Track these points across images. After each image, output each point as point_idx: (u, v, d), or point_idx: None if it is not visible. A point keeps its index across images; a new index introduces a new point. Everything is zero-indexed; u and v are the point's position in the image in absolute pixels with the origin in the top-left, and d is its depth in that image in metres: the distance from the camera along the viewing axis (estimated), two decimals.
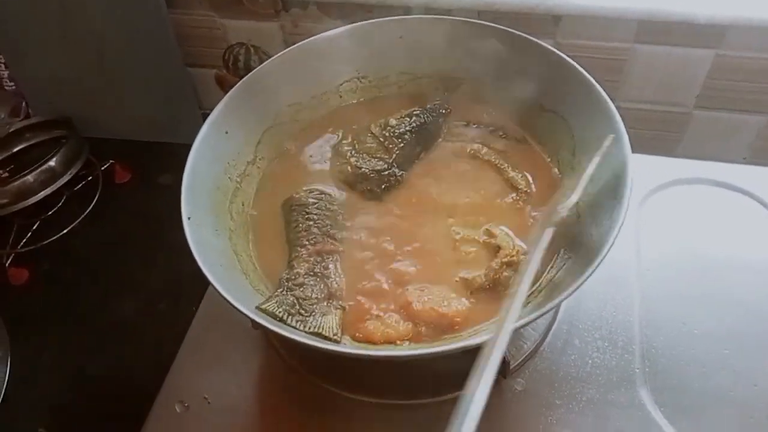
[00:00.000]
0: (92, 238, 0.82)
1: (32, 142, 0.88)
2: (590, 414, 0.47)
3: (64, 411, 0.66)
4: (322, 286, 0.46)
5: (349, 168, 0.53)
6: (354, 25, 0.57)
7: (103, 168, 0.86)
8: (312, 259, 0.47)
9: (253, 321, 0.40)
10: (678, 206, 0.59)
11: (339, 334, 0.44)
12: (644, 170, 0.61)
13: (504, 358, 0.47)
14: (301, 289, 0.45)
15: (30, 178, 0.81)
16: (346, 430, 0.49)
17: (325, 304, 0.45)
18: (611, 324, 0.52)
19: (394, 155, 0.54)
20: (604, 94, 0.49)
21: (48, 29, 0.81)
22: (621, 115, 0.47)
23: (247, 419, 0.50)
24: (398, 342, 0.44)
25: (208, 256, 0.44)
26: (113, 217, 0.84)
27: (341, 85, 0.59)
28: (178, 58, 0.83)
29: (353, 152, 0.54)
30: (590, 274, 0.40)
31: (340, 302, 0.46)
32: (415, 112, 0.56)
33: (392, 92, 0.60)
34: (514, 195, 0.52)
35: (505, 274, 0.46)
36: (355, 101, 0.60)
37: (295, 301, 0.44)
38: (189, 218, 0.46)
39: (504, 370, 0.48)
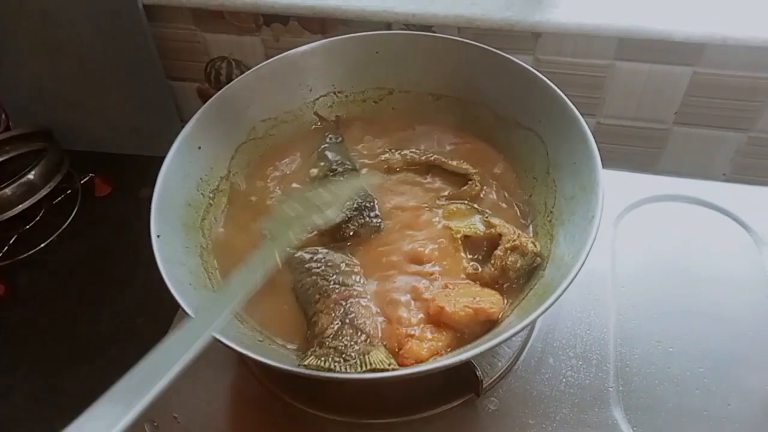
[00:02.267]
0: (71, 253, 0.81)
1: (12, 154, 0.87)
2: None
3: (37, 424, 0.65)
4: (357, 332, 0.44)
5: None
6: (329, 39, 0.57)
7: (82, 181, 0.86)
8: (334, 311, 0.45)
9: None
10: (654, 223, 0.59)
11: (393, 362, 0.42)
12: (620, 187, 0.61)
13: (477, 376, 0.47)
14: (338, 340, 0.44)
15: (8, 191, 0.80)
16: None
17: (365, 344, 0.44)
18: (586, 342, 0.51)
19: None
20: (574, 109, 0.49)
21: (28, 40, 0.81)
22: (602, 131, 0.47)
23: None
24: (444, 352, 0.43)
25: (176, 275, 0.43)
26: (92, 231, 0.83)
27: (317, 100, 0.59)
28: (159, 71, 0.82)
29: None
30: (561, 293, 0.39)
31: (378, 340, 0.44)
32: (322, 151, 0.55)
33: (368, 108, 0.59)
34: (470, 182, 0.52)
35: (510, 259, 0.47)
36: (331, 117, 0.60)
37: (335, 352, 0.43)
38: (158, 236, 0.45)
39: (477, 389, 0.47)
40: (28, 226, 0.82)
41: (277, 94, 0.57)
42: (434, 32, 0.70)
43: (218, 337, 0.38)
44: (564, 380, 0.50)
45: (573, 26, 0.69)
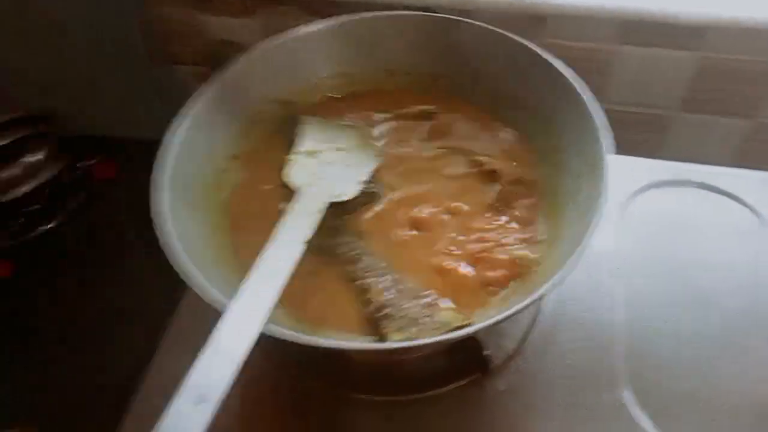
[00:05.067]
0: (77, 233, 0.81)
1: (14, 135, 0.87)
2: (573, 415, 0.47)
3: (44, 401, 0.65)
4: (414, 296, 0.44)
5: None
6: (334, 19, 0.57)
7: (88, 163, 0.86)
8: (382, 283, 0.45)
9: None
10: (661, 208, 0.59)
11: (464, 315, 0.43)
12: (626, 172, 0.61)
13: (485, 355, 0.48)
14: (403, 309, 0.43)
15: (17, 170, 0.80)
16: (335, 426, 0.48)
17: (429, 306, 0.44)
18: (594, 324, 0.51)
19: None
20: (573, 83, 0.49)
21: (9, 28, 0.80)
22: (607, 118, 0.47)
23: (233, 416, 0.49)
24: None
25: (191, 253, 0.43)
26: (98, 213, 0.83)
27: (321, 80, 0.59)
28: (160, 55, 0.82)
29: None
30: (571, 270, 0.39)
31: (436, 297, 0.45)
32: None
33: (372, 88, 0.59)
34: None
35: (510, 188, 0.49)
36: (337, 96, 0.60)
37: (409, 321, 0.42)
38: (168, 214, 0.45)
39: (485, 369, 0.47)
40: (32, 208, 0.82)
41: (280, 74, 0.56)
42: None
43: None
44: (572, 362, 0.50)
45: (578, 8, 0.68)
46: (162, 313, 0.69)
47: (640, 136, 0.78)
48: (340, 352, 0.47)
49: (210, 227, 0.50)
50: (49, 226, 0.81)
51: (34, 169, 0.82)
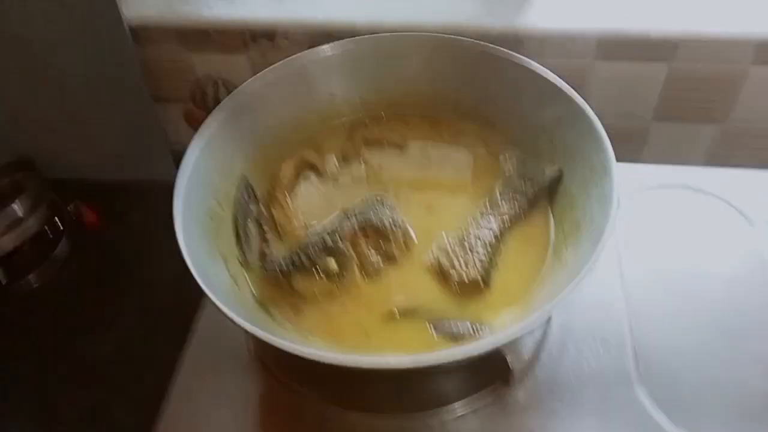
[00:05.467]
0: (60, 283, 0.79)
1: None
2: (592, 416, 0.48)
3: None
4: None
5: None
6: (350, 40, 0.58)
7: (68, 209, 0.84)
8: None
9: None
10: (651, 210, 0.62)
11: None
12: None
13: (508, 365, 0.48)
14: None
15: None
16: None
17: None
18: (603, 327, 0.53)
19: None
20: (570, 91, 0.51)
21: (8, 66, 0.79)
22: None
23: None
24: None
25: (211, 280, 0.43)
26: (83, 259, 0.81)
27: (333, 103, 0.60)
28: (145, 93, 0.82)
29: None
30: (588, 271, 0.40)
31: None
32: None
33: (380, 114, 0.61)
34: None
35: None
36: (346, 120, 0.61)
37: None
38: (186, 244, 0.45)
39: (508, 378, 0.48)
40: (13, 257, 0.80)
41: (292, 97, 0.57)
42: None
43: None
44: (586, 365, 0.51)
45: (555, 30, 0.71)
46: (156, 353, 0.68)
47: (618, 145, 0.81)
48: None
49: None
50: (29, 276, 0.79)
51: (13, 220, 0.80)
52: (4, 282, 0.78)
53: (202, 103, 0.85)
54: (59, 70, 0.79)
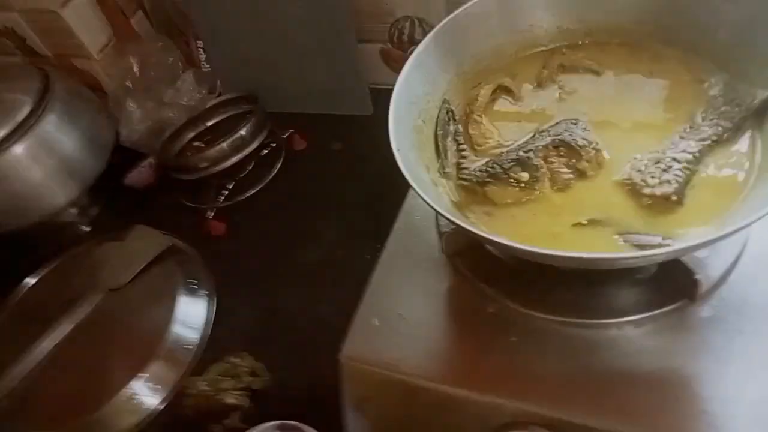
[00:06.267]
0: (277, 197, 0.93)
1: (225, 116, 1.01)
2: None
3: (261, 335, 0.76)
4: None
5: None
6: None
7: (284, 137, 0.98)
8: None
9: None
10: None
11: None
12: None
13: (694, 278, 0.49)
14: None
15: (225, 146, 0.93)
16: (529, 348, 0.53)
17: None
18: None
19: None
20: None
21: (239, 16, 0.93)
22: None
23: (437, 332, 0.55)
24: None
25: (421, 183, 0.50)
26: (294, 179, 0.94)
27: (532, 33, 0.62)
28: (352, 35, 0.91)
29: None
30: None
31: None
32: None
33: (578, 42, 0.62)
34: None
35: None
36: (544, 49, 0.63)
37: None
38: (398, 150, 0.51)
39: (693, 293, 0.49)
40: (241, 175, 0.95)
41: (501, 23, 0.61)
42: None
43: None
44: None
45: None
46: (354, 261, 0.78)
47: None
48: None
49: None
50: (253, 191, 0.94)
51: (241, 143, 0.95)
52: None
53: (398, 42, 0.92)
54: (280, 19, 0.91)
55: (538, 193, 0.54)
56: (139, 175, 0.99)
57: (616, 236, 0.49)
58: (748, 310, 0.49)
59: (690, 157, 0.50)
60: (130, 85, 1.00)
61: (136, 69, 1.01)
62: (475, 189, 0.56)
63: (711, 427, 0.45)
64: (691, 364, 0.48)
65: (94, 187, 0.95)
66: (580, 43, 0.62)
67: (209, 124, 1.02)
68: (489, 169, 0.55)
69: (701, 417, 0.45)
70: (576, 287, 0.53)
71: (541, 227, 0.52)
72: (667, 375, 0.48)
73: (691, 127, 0.53)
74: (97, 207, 1.00)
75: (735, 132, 0.51)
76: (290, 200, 0.92)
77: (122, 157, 0.99)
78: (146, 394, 0.72)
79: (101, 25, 1.02)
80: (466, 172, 0.57)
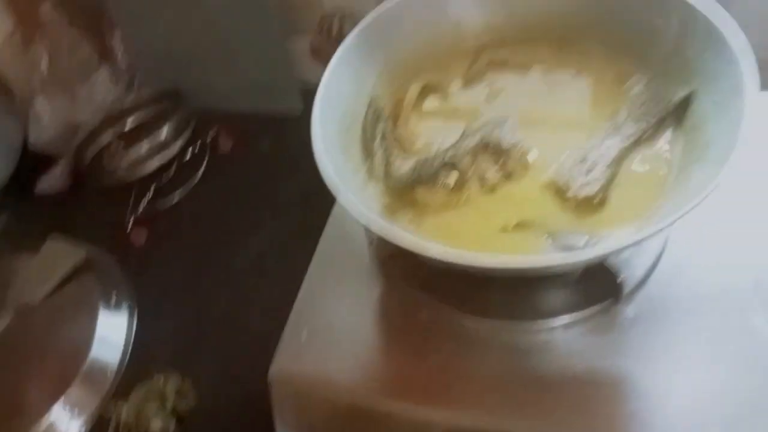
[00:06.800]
0: (203, 201, 0.89)
1: (144, 114, 0.96)
2: (702, 339, 0.48)
3: (188, 350, 0.73)
4: None
5: None
6: None
7: (209, 136, 0.93)
8: None
9: None
10: None
11: None
12: None
13: (617, 280, 0.49)
14: None
15: (145, 147, 0.88)
16: (461, 354, 0.52)
17: None
18: (722, 249, 0.52)
19: None
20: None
21: (160, 3, 0.87)
22: None
23: (369, 343, 0.54)
24: None
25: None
26: (220, 182, 0.90)
27: (459, 29, 0.61)
28: (276, 29, 0.87)
29: None
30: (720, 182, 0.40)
31: None
32: None
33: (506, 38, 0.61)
34: None
35: None
36: (472, 45, 0.62)
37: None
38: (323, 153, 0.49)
39: (617, 294, 0.49)
40: (163, 180, 0.90)
41: (427, 18, 0.59)
42: None
43: None
44: (702, 289, 0.51)
45: None
46: (284, 268, 0.75)
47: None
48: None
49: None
50: (176, 196, 0.89)
51: (162, 145, 0.90)
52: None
53: (327, 37, 0.89)
54: (204, 2, 0.86)
55: (467, 195, 0.53)
56: (52, 181, 0.92)
57: (546, 237, 0.49)
58: (670, 309, 0.50)
59: (613, 155, 0.51)
60: (39, 81, 0.93)
61: (45, 63, 0.93)
62: (403, 192, 0.54)
63: (645, 425, 0.45)
64: (621, 363, 0.48)
65: (1, 195, 0.88)
66: (509, 39, 0.61)
67: (128, 123, 0.96)
68: (416, 172, 0.53)
69: (635, 415, 0.46)
70: (506, 289, 0.53)
71: (471, 230, 0.51)
72: (598, 376, 0.48)
73: (614, 125, 0.53)
74: (5, 216, 0.93)
75: (656, 130, 0.52)
76: (217, 205, 0.88)
77: (32, 161, 0.92)
78: (65, 421, 0.67)
79: (3, 12, 0.93)
80: (395, 175, 0.55)
